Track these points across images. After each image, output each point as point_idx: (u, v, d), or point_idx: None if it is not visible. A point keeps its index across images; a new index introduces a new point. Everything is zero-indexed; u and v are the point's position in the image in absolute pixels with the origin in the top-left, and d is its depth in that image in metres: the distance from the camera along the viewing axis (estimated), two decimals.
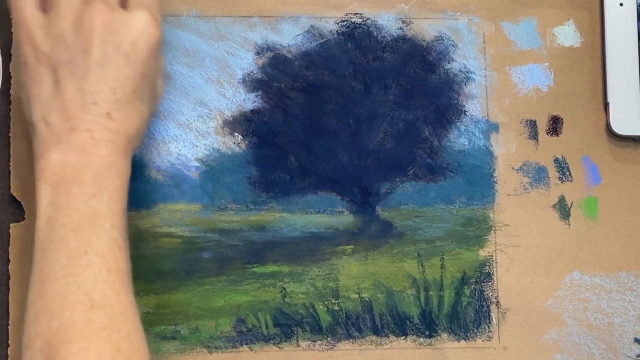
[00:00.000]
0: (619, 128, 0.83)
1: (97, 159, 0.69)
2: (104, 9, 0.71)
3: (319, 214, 0.82)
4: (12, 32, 0.80)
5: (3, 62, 0.80)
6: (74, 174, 0.69)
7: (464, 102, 0.84)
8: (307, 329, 0.80)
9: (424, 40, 0.84)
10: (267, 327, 0.80)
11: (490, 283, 0.82)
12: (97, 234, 0.68)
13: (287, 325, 0.80)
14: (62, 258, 0.67)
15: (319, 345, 0.80)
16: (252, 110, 0.82)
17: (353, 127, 0.83)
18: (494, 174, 0.83)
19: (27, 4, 0.71)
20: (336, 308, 0.81)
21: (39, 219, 0.69)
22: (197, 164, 0.81)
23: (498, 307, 0.82)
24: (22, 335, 0.67)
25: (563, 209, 0.83)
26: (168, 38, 0.82)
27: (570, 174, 0.84)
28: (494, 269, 0.82)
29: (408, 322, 0.81)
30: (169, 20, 0.82)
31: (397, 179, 0.83)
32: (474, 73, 0.84)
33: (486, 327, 0.82)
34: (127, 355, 0.66)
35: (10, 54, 0.80)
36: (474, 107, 0.84)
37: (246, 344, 0.80)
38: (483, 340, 0.81)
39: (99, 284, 0.67)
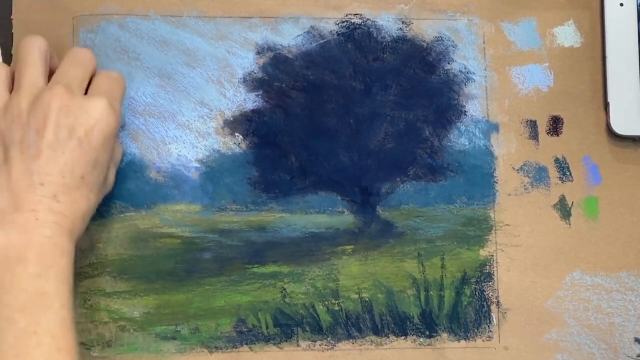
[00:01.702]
0: (619, 128, 0.83)
1: (40, 239, 0.69)
2: (63, 92, 0.71)
3: (319, 214, 0.82)
4: (12, 33, 0.80)
5: (3, 62, 0.80)
6: (17, 253, 0.68)
7: (464, 103, 0.84)
8: (307, 329, 0.80)
9: (423, 41, 0.84)
10: (267, 327, 0.80)
11: (490, 283, 0.82)
12: (45, 313, 0.68)
13: (287, 326, 0.80)
14: (10, 338, 0.67)
15: (319, 345, 0.80)
16: (252, 110, 0.82)
17: (353, 127, 0.83)
18: (494, 174, 0.83)
19: None
20: (336, 308, 0.81)
21: None
22: (197, 164, 0.81)
23: (498, 307, 0.82)
24: None
25: (563, 209, 0.83)
26: (168, 37, 0.82)
27: (570, 173, 0.84)
28: (495, 268, 0.82)
29: (408, 322, 0.81)
30: (169, 20, 0.82)
31: (398, 179, 0.83)
32: (474, 73, 0.84)
33: (486, 327, 0.81)
34: None
35: (11, 54, 0.80)
36: (474, 108, 0.84)
37: (246, 344, 0.80)
38: (483, 340, 0.81)
39: None
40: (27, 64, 0.73)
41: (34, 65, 0.73)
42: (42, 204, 0.70)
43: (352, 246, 0.82)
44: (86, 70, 0.75)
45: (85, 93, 0.74)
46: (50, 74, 0.75)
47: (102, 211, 0.79)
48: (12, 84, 0.74)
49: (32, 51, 0.73)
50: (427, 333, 0.81)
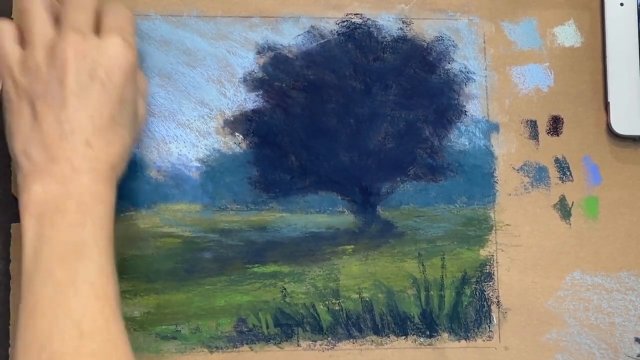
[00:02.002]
0: (619, 128, 0.83)
1: (79, 188, 0.69)
2: (76, 38, 0.71)
3: (320, 214, 0.82)
4: None
5: None
6: (56, 205, 0.69)
7: (464, 102, 0.84)
8: (308, 328, 0.80)
9: (424, 41, 0.84)
10: (267, 327, 0.80)
11: (491, 283, 0.82)
12: (83, 263, 0.68)
13: (288, 325, 0.80)
14: (49, 289, 0.67)
15: (320, 345, 0.80)
16: (253, 110, 0.82)
17: (354, 127, 0.83)
18: (494, 174, 0.83)
19: (6, 39, 0.72)
20: (337, 308, 0.81)
21: (25, 250, 0.69)
22: (197, 164, 0.81)
23: (499, 307, 0.82)
24: None
25: (564, 209, 0.83)
26: (168, 37, 0.82)
27: (570, 173, 0.84)
28: (495, 268, 0.82)
29: (408, 322, 0.81)
30: (169, 19, 0.82)
31: (398, 179, 0.83)
32: (474, 73, 0.84)
33: (487, 326, 0.81)
34: None
35: None
36: (474, 107, 0.84)
37: (247, 343, 0.80)
38: (484, 340, 0.81)
39: (88, 313, 0.67)
40: (32, 15, 0.72)
41: (40, 15, 0.72)
42: (76, 152, 0.70)
43: (352, 246, 0.81)
44: (90, 9, 0.74)
45: (97, 34, 0.74)
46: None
47: None
48: (21, 38, 0.73)
49: (33, 1, 0.73)
50: (428, 333, 0.81)
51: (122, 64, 0.72)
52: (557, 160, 0.84)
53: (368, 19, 0.84)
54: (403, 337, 0.81)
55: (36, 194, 0.69)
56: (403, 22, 0.84)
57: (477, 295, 0.82)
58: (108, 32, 0.73)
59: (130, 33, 0.74)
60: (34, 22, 0.72)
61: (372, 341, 0.81)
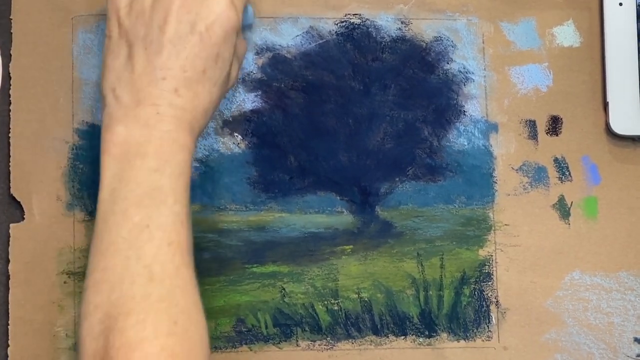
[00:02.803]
0: (618, 128, 0.83)
1: (160, 134, 0.70)
2: None
3: (319, 214, 0.82)
4: (11, 33, 0.80)
5: (3, 62, 0.80)
6: (138, 148, 0.69)
7: (463, 103, 0.84)
8: (307, 328, 0.80)
9: (423, 41, 0.84)
10: (266, 327, 0.80)
11: (489, 283, 0.82)
12: (158, 208, 0.68)
13: (287, 325, 0.80)
14: (123, 231, 0.68)
15: (319, 345, 0.80)
16: (251, 110, 0.82)
17: (352, 127, 0.83)
18: (493, 174, 0.83)
19: None
20: (335, 308, 0.81)
21: (102, 190, 0.69)
22: (196, 164, 0.81)
23: (498, 307, 0.82)
24: (81, 304, 0.68)
25: (563, 209, 0.83)
26: None
27: (569, 173, 0.84)
28: (494, 268, 0.82)
29: (407, 322, 0.81)
30: None
31: (397, 179, 0.83)
32: (473, 73, 0.84)
33: (486, 326, 0.81)
34: (184, 328, 0.66)
35: (10, 54, 0.80)
36: (473, 107, 0.84)
37: (246, 344, 0.80)
38: (483, 340, 0.81)
39: (159, 258, 0.67)
40: None
41: None
42: (163, 99, 0.70)
43: (351, 246, 0.82)
44: None
45: None
46: None
47: None
48: None
49: None
50: (427, 333, 0.81)
51: (224, 23, 0.72)
52: (556, 160, 0.84)
53: (367, 19, 0.84)
54: (402, 337, 0.81)
55: (118, 135, 0.70)
56: (402, 23, 0.84)
57: (476, 295, 0.82)
58: None
59: None
60: None
61: (371, 341, 0.81)
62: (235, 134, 0.82)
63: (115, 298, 0.66)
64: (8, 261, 0.78)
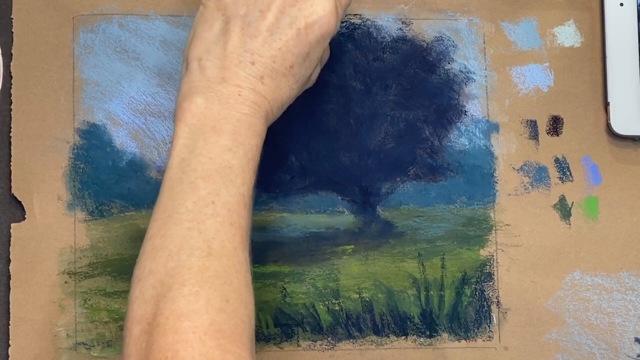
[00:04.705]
0: (619, 128, 0.83)
1: (238, 115, 0.70)
2: None
3: (320, 214, 0.82)
4: (12, 33, 0.80)
5: (4, 61, 0.80)
6: (214, 123, 0.70)
7: (464, 102, 0.84)
8: (308, 329, 0.80)
9: (423, 41, 0.84)
10: (267, 327, 0.80)
11: (490, 283, 0.82)
12: (227, 186, 0.69)
13: (288, 325, 0.80)
14: (189, 202, 0.68)
15: (320, 345, 0.80)
16: None
17: (353, 127, 0.83)
18: (494, 174, 0.83)
19: None
20: (337, 308, 0.81)
21: (172, 158, 0.70)
22: None
23: (499, 307, 0.82)
24: (135, 267, 0.68)
25: (564, 209, 0.83)
26: (168, 37, 0.82)
27: (570, 174, 0.84)
28: (495, 268, 0.82)
29: (408, 322, 0.81)
30: (169, 19, 0.82)
31: (398, 179, 0.83)
32: (474, 73, 0.84)
33: (487, 327, 0.81)
34: (235, 307, 0.66)
35: (11, 54, 0.80)
36: (474, 107, 0.84)
37: None
38: (484, 340, 0.81)
39: (220, 235, 0.67)
40: None
41: None
42: (247, 82, 0.71)
43: (352, 246, 0.81)
44: None
45: None
46: None
47: (102, 211, 0.80)
48: None
49: None
50: (428, 333, 0.81)
51: (323, 26, 0.72)
52: (557, 160, 0.84)
53: (367, 19, 0.84)
54: (403, 337, 0.81)
55: (197, 106, 0.70)
56: (403, 23, 0.84)
57: (477, 295, 0.82)
58: None
59: (343, 5, 0.74)
60: None
61: (372, 341, 0.81)
62: None
63: (172, 267, 0.66)
64: (9, 261, 0.78)
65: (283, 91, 0.73)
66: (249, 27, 0.71)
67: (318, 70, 0.77)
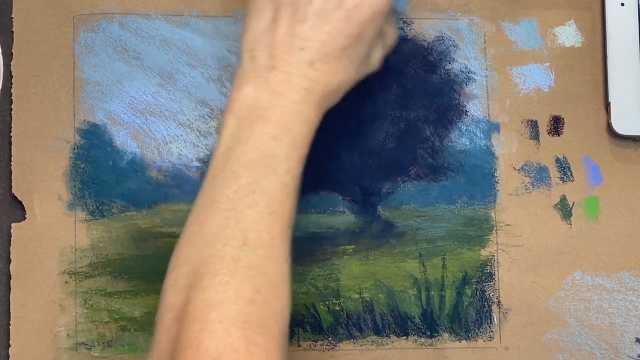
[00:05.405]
0: (620, 128, 0.83)
1: (287, 103, 0.70)
2: None
3: (320, 214, 0.82)
4: (12, 32, 0.80)
5: (4, 61, 0.80)
6: (262, 112, 0.70)
7: (465, 102, 0.84)
8: (308, 329, 0.80)
9: (424, 41, 0.84)
10: None
11: (491, 283, 0.82)
12: (269, 176, 0.69)
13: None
14: (229, 191, 0.68)
15: (320, 345, 0.80)
16: None
17: (354, 127, 0.82)
18: (495, 174, 0.83)
19: None
20: (337, 308, 0.81)
21: (218, 147, 0.70)
22: (198, 164, 0.81)
23: (499, 307, 0.82)
24: (172, 255, 0.68)
25: (564, 209, 0.83)
26: (169, 37, 0.82)
27: (571, 174, 0.84)
28: (496, 268, 0.82)
29: (409, 322, 0.81)
30: (170, 19, 0.82)
31: (399, 179, 0.82)
32: (474, 73, 0.84)
33: (487, 327, 0.81)
34: (266, 299, 0.66)
35: (12, 53, 0.80)
36: (475, 107, 0.84)
37: None
38: (484, 341, 0.81)
39: (257, 225, 0.67)
40: None
41: None
42: (297, 69, 0.71)
43: (353, 246, 0.81)
44: None
45: None
46: None
47: (103, 210, 0.79)
48: None
49: None
50: (428, 333, 0.81)
51: (372, 4, 0.72)
52: (557, 160, 0.84)
53: None
54: (404, 338, 0.81)
55: (245, 96, 0.70)
56: (404, 22, 0.84)
57: (478, 295, 0.82)
58: None
59: None
60: None
61: (373, 341, 0.81)
62: None
63: (206, 256, 0.66)
64: (9, 261, 0.78)
65: (338, 75, 0.72)
66: (297, 13, 0.72)
67: (379, 52, 0.76)
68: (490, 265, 0.82)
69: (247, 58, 0.72)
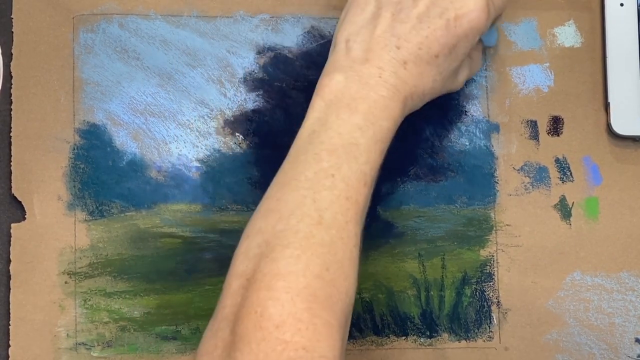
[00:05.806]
0: (619, 128, 0.83)
1: (375, 97, 0.72)
2: None
3: None
4: (12, 32, 0.80)
5: (4, 61, 0.80)
6: (349, 101, 0.71)
7: (464, 103, 0.84)
8: None
9: None
10: None
11: (491, 283, 0.82)
12: (349, 162, 0.70)
13: None
14: (309, 172, 0.69)
15: None
16: (253, 110, 0.82)
17: None
18: (494, 174, 0.83)
19: None
20: None
21: (303, 129, 0.72)
22: (197, 164, 0.81)
23: (499, 307, 0.82)
24: (247, 225, 0.70)
25: (564, 209, 0.83)
26: (169, 37, 0.82)
27: (571, 174, 0.84)
28: (495, 269, 0.82)
29: (409, 322, 0.81)
30: (169, 19, 0.82)
31: (398, 179, 0.83)
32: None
33: (487, 327, 0.81)
34: (333, 277, 0.67)
35: (11, 54, 0.80)
36: (474, 108, 0.84)
37: None
38: (484, 341, 0.81)
39: (333, 207, 0.69)
40: None
41: None
42: (390, 65, 0.72)
43: None
44: None
45: None
46: None
47: (102, 211, 0.79)
48: None
49: None
50: (428, 333, 0.81)
51: (473, 20, 0.74)
52: (557, 160, 0.84)
53: None
54: (403, 338, 0.81)
55: (336, 83, 0.72)
56: None
57: (478, 295, 0.82)
58: None
59: (496, 5, 0.76)
60: None
61: (372, 341, 0.81)
62: (237, 134, 0.82)
63: (280, 229, 0.67)
64: (9, 261, 0.78)
65: (425, 80, 0.74)
66: (399, 14, 0.73)
67: (465, 73, 0.79)
68: (490, 266, 0.82)
69: (341, 47, 0.74)
